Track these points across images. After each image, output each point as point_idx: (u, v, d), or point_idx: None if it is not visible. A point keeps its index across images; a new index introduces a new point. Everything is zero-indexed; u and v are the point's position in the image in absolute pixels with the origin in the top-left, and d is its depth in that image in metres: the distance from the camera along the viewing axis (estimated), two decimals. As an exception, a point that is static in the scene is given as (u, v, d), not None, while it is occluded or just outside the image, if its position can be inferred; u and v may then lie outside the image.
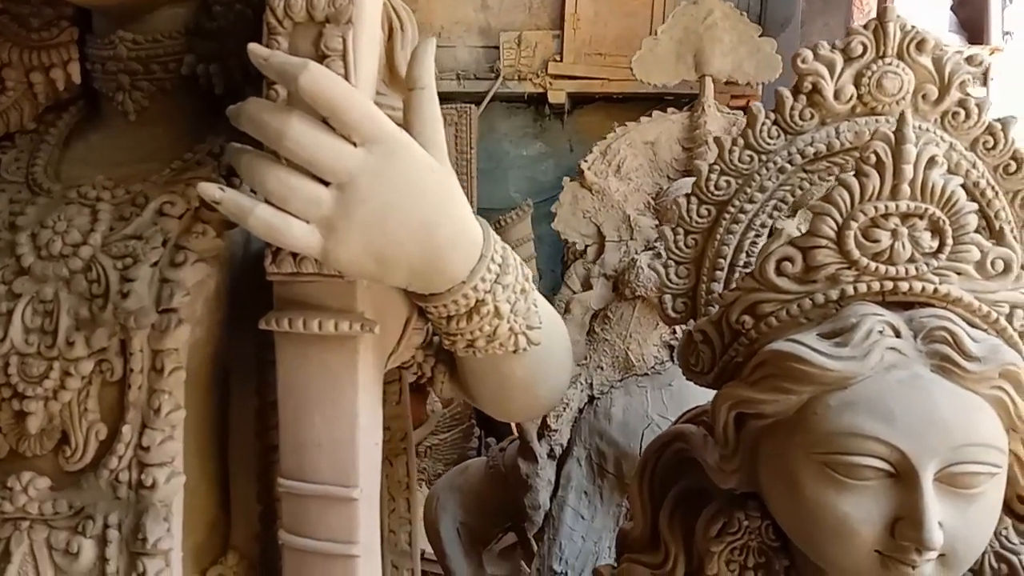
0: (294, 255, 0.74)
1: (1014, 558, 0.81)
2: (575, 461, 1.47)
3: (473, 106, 4.48)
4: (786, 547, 0.87)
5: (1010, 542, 0.82)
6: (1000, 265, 0.77)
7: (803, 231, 0.81)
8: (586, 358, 1.49)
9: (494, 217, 2.21)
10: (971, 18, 4.26)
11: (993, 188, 0.85)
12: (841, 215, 0.77)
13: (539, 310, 0.86)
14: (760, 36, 2.32)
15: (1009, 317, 0.78)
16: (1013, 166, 0.85)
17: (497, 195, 4.40)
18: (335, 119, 0.67)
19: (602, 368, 1.50)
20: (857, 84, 0.85)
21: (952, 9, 4.24)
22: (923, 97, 0.85)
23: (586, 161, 2.01)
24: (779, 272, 0.79)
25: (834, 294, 0.77)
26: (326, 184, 0.69)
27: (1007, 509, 0.83)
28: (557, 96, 4.74)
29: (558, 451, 1.47)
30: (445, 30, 4.76)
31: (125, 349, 0.74)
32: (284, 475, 0.85)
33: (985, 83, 4.37)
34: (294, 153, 0.66)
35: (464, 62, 4.83)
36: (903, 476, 0.73)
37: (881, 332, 0.74)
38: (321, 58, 0.74)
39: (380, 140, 0.70)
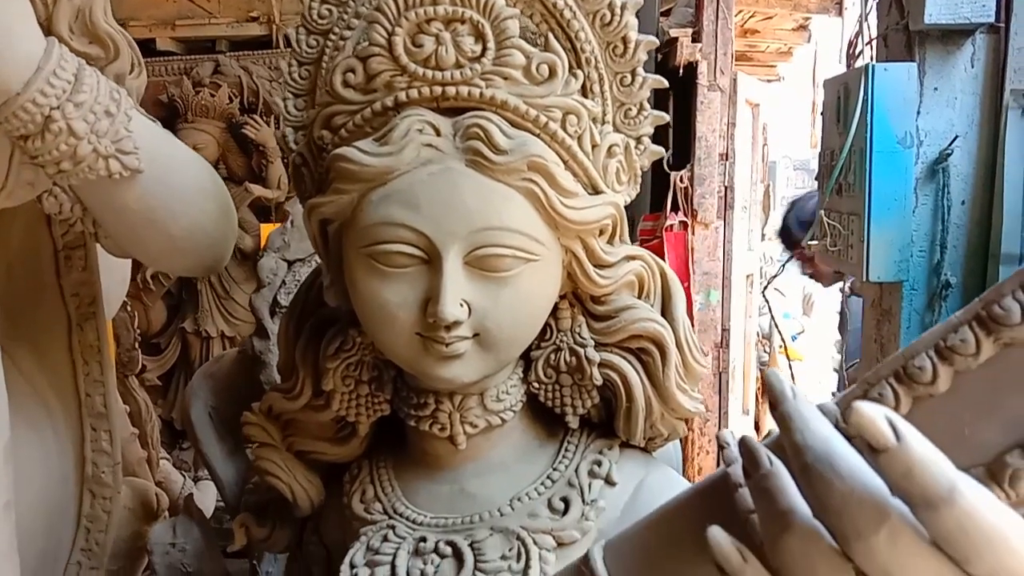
0: None
1: (581, 350, 0.87)
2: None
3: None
4: None
5: (581, 337, 0.88)
6: (545, 70, 0.81)
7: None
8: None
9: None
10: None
11: (572, 9, 0.89)
12: (390, 22, 0.80)
13: (138, 137, 0.88)
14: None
15: (562, 122, 0.82)
16: (589, -12, 0.89)
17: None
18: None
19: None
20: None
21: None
22: (497, -82, 0.87)
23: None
24: (345, 84, 0.83)
25: (390, 101, 0.81)
26: None
27: (583, 309, 0.89)
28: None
29: (293, 328, 1.50)
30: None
31: None
32: None
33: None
34: None
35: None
36: (432, 260, 0.77)
37: (420, 130, 0.78)
38: None
39: None
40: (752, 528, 0.46)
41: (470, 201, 0.76)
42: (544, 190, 0.79)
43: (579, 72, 0.85)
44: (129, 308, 2.36)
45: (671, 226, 3.70)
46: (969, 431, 0.45)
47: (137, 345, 2.36)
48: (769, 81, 5.51)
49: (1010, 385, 0.44)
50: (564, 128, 0.82)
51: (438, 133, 0.78)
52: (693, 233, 3.73)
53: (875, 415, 0.37)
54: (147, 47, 4.31)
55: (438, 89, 0.80)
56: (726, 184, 3.77)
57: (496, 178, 0.77)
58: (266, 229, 4.07)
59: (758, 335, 4.50)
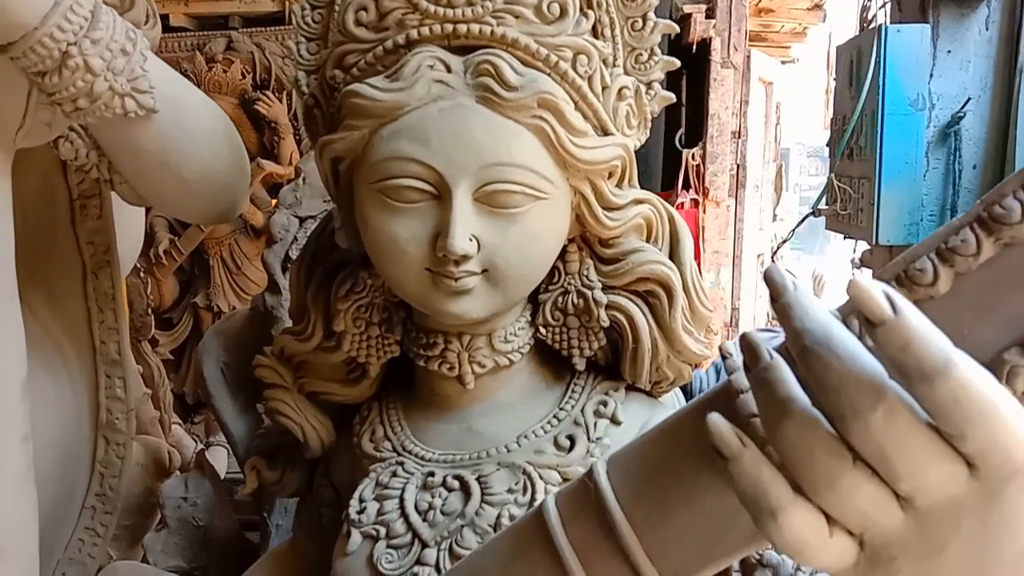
0: None
1: (588, 292, 0.88)
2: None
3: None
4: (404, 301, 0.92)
5: (589, 280, 0.88)
6: (556, 9, 0.81)
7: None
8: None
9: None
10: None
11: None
12: (402, -41, 0.80)
13: (153, 78, 0.89)
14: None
15: (573, 62, 0.83)
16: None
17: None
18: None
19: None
20: None
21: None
22: None
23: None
24: (357, 22, 0.83)
25: (401, 39, 0.81)
26: None
27: (591, 252, 0.90)
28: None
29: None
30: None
31: None
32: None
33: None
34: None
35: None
36: (442, 195, 0.78)
37: (431, 67, 0.78)
38: None
39: None
40: (754, 431, 0.47)
41: (480, 136, 0.77)
42: (553, 127, 0.79)
43: (590, 13, 0.85)
44: (142, 275, 2.38)
45: (682, 204, 3.69)
46: (968, 331, 0.45)
47: (149, 311, 2.39)
48: (784, 63, 5.46)
49: (1010, 284, 0.44)
50: (574, 68, 0.82)
51: (449, 70, 0.79)
52: (704, 211, 3.72)
53: (873, 288, 0.38)
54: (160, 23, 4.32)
55: (449, 27, 0.81)
56: (738, 162, 3.76)
57: (506, 114, 0.78)
58: (278, 205, 4.08)
59: (768, 315, 4.50)
